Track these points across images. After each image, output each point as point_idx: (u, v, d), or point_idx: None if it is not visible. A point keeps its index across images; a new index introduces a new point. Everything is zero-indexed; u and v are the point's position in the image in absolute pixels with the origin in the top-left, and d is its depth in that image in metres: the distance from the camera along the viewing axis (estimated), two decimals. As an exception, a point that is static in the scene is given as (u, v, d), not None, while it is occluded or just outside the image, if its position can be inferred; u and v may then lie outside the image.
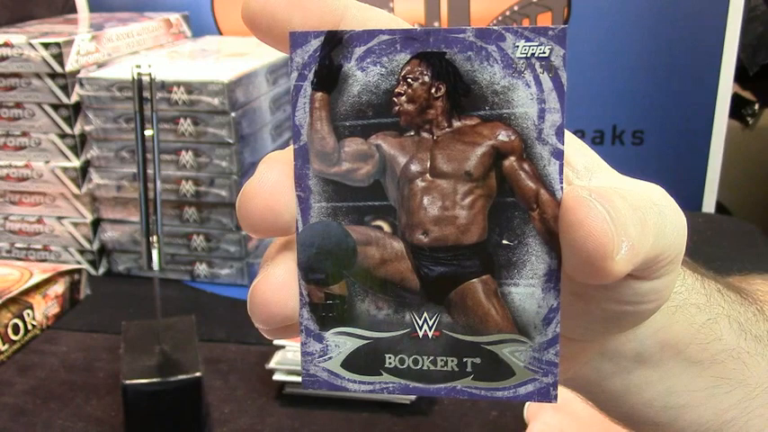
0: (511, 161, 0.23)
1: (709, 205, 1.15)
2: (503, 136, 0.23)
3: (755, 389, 0.32)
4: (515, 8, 1.11)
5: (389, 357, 0.25)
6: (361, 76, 0.23)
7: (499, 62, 0.23)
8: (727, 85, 1.09)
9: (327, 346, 0.25)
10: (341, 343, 0.25)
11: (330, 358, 0.25)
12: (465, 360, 0.24)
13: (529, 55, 0.23)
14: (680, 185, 1.14)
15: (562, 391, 0.26)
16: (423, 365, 0.24)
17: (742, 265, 0.45)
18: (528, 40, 0.23)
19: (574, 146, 0.25)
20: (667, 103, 1.12)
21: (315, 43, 0.23)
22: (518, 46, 0.23)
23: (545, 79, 0.23)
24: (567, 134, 0.24)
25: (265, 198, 0.24)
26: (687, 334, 0.30)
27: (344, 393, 0.63)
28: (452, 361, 0.24)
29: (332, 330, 0.25)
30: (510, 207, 0.24)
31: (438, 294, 0.24)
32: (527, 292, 0.24)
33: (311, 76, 0.23)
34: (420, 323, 0.24)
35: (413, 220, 0.24)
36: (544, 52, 0.23)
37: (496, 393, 0.24)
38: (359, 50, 0.23)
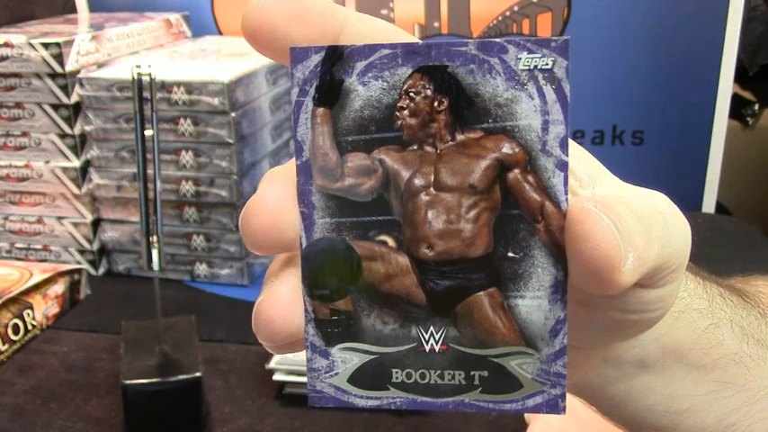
0: (515, 173, 0.23)
1: (709, 205, 1.15)
2: (507, 148, 0.23)
3: (757, 392, 0.32)
4: (515, 8, 1.11)
5: (396, 372, 0.24)
6: (363, 91, 0.23)
7: (502, 74, 0.23)
8: (727, 85, 1.09)
9: (333, 361, 0.24)
10: (347, 358, 0.24)
11: (336, 374, 0.24)
12: (472, 373, 0.24)
13: (532, 67, 0.22)
14: (680, 185, 1.14)
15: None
16: (430, 379, 0.24)
17: (743, 265, 0.45)
18: (530, 52, 0.22)
19: (576, 154, 0.25)
20: (667, 103, 1.12)
21: (316, 58, 0.23)
22: (521, 58, 0.22)
23: (548, 91, 0.23)
24: (569, 143, 0.24)
25: (269, 215, 0.24)
26: (689, 339, 0.30)
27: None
28: (460, 374, 0.24)
29: (338, 346, 0.24)
30: (515, 219, 0.23)
31: (444, 308, 0.24)
32: (534, 304, 0.24)
33: (312, 91, 0.23)
34: (426, 337, 0.24)
35: (417, 235, 0.24)
36: (547, 64, 0.22)
37: (504, 406, 0.24)
38: (360, 65, 0.23)
